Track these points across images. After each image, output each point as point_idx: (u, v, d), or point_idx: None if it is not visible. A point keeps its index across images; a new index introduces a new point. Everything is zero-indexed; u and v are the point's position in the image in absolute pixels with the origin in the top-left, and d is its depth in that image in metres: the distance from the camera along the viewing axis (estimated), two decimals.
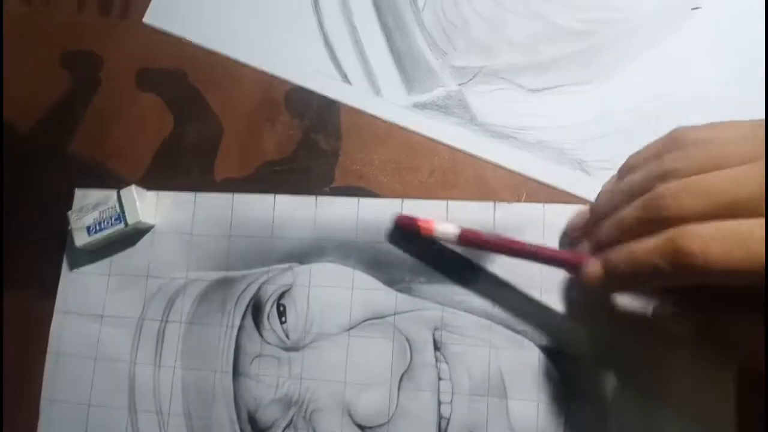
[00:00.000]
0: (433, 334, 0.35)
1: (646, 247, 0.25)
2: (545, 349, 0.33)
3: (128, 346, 0.39)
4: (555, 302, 0.34)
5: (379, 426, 0.34)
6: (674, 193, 0.25)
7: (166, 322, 0.38)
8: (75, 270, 0.40)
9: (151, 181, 0.41)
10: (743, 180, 0.24)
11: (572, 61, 0.37)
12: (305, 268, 0.37)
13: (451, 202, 0.36)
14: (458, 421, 0.33)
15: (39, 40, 0.46)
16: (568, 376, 0.33)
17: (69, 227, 0.39)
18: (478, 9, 0.39)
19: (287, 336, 0.36)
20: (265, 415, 0.36)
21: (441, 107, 0.38)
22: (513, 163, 0.36)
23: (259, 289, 0.37)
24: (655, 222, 0.25)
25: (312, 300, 0.37)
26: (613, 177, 0.32)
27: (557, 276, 0.33)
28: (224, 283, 0.38)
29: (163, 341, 0.38)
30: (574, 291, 0.33)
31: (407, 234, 0.36)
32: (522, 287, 0.34)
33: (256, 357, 0.37)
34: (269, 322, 0.37)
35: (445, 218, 0.36)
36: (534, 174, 0.35)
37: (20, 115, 0.44)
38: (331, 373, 0.35)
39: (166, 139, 0.42)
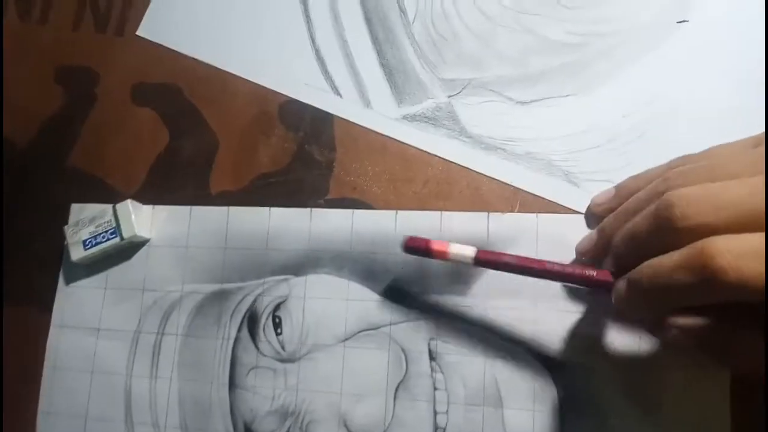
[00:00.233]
0: (429, 344, 0.34)
1: (671, 262, 0.23)
2: (540, 359, 0.33)
3: (124, 359, 0.38)
4: (550, 311, 0.33)
5: None
6: (685, 201, 0.23)
7: (162, 334, 0.38)
8: (71, 284, 0.40)
9: (147, 195, 0.40)
10: (759, 190, 0.22)
11: (560, 73, 0.36)
12: (300, 279, 0.36)
13: (445, 213, 0.35)
14: (454, 431, 0.33)
15: (36, 57, 0.45)
16: (563, 385, 0.32)
17: (65, 241, 0.39)
18: (468, 22, 0.38)
19: (283, 347, 0.36)
20: (262, 427, 0.35)
21: (431, 119, 0.37)
22: (503, 175, 0.35)
23: (254, 301, 0.37)
24: (667, 233, 0.24)
25: (307, 311, 0.36)
26: (608, 191, 0.31)
27: (552, 284, 0.33)
28: (220, 296, 0.37)
29: (159, 354, 0.37)
30: (570, 301, 0.33)
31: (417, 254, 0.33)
32: (517, 296, 0.33)
33: (252, 369, 0.36)
34: (265, 334, 0.36)
35: (439, 229, 0.35)
36: (523, 185, 0.35)
37: (17, 130, 0.43)
38: (327, 384, 0.35)
39: (162, 153, 0.41)
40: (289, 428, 0.35)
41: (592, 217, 0.31)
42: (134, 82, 0.43)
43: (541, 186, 0.35)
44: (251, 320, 0.36)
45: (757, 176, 0.23)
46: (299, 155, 0.39)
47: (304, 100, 0.40)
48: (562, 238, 0.33)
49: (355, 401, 0.34)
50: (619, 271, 0.28)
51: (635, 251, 0.26)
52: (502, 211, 0.35)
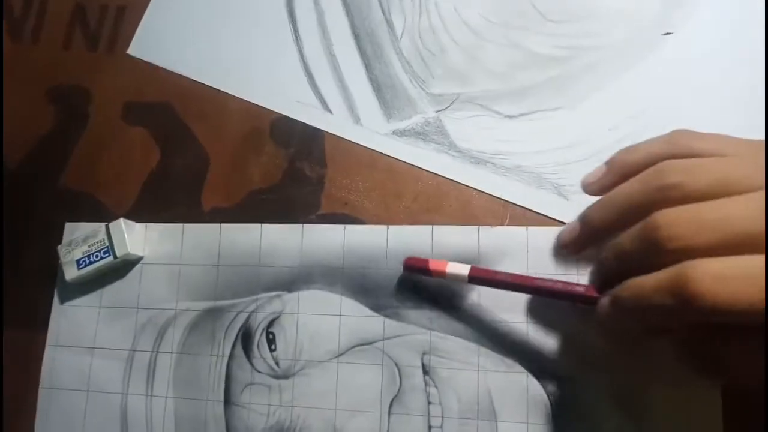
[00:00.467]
0: (422, 359, 0.33)
1: (652, 285, 0.23)
2: (534, 371, 0.32)
3: (120, 378, 0.37)
4: (543, 324, 0.32)
5: None
6: (672, 223, 0.23)
7: (157, 352, 0.37)
8: (66, 303, 0.39)
9: (140, 213, 0.39)
10: (746, 211, 0.22)
11: (548, 87, 0.36)
12: (293, 295, 0.36)
13: (436, 227, 0.35)
14: None
15: (28, 77, 0.44)
16: (557, 397, 0.32)
17: (59, 261, 0.38)
18: (455, 37, 0.38)
19: (277, 364, 0.35)
20: None
21: (420, 134, 0.37)
22: (492, 188, 0.35)
23: (248, 317, 0.36)
24: (653, 253, 0.23)
25: (301, 327, 0.35)
26: (600, 168, 0.29)
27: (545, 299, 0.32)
28: (213, 313, 0.37)
29: (154, 372, 0.37)
30: (561, 313, 0.32)
31: (416, 277, 0.34)
32: (509, 310, 0.33)
33: (247, 386, 0.35)
34: (259, 351, 0.35)
35: (430, 243, 0.35)
36: (512, 198, 0.34)
37: (10, 150, 0.43)
38: (321, 399, 0.34)
39: (154, 171, 0.40)
40: None
41: (560, 256, 0.31)
42: (126, 100, 0.42)
43: (531, 199, 0.34)
44: (245, 337, 0.36)
45: (746, 195, 0.22)
46: (290, 171, 0.38)
47: (294, 117, 0.39)
48: (556, 248, 0.33)
49: (350, 416, 0.34)
50: (604, 284, 0.27)
51: (622, 267, 0.26)
52: (492, 225, 0.34)
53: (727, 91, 0.34)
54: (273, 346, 0.35)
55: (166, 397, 0.36)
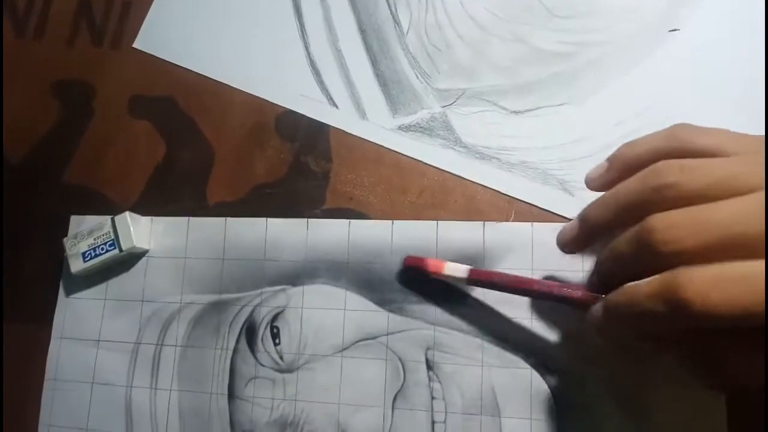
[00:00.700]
0: (426, 354, 0.33)
1: (644, 292, 0.23)
2: (537, 367, 0.32)
3: (125, 371, 0.37)
4: (546, 320, 0.32)
5: None
6: (668, 226, 0.22)
7: (162, 345, 0.37)
8: (71, 296, 0.39)
9: (145, 207, 0.39)
10: (747, 216, 0.21)
11: (553, 82, 0.36)
12: (298, 290, 0.36)
13: (441, 223, 0.35)
14: None
15: (32, 72, 0.44)
16: (560, 393, 0.31)
17: (65, 254, 0.38)
18: (461, 32, 0.38)
19: (281, 358, 0.35)
20: None
21: (425, 129, 0.37)
22: (497, 184, 0.35)
23: (252, 311, 0.36)
24: (648, 257, 0.23)
25: (305, 322, 0.35)
26: (602, 164, 0.29)
27: None
28: (218, 306, 0.37)
29: (158, 365, 0.37)
30: (565, 309, 0.32)
31: (417, 273, 0.34)
32: (513, 305, 0.33)
33: (251, 379, 0.35)
34: (263, 345, 0.35)
35: (435, 239, 0.35)
36: (518, 194, 0.34)
37: (16, 145, 0.42)
38: (325, 394, 0.34)
39: (159, 165, 0.40)
40: None
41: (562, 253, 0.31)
42: (131, 94, 0.42)
43: (536, 195, 0.34)
44: (249, 331, 0.36)
45: (741, 197, 0.22)
46: (295, 166, 0.38)
47: (299, 111, 0.39)
48: (557, 247, 0.32)
49: (354, 411, 0.33)
50: (601, 287, 0.27)
51: (618, 270, 0.25)
52: (498, 221, 0.34)
53: (732, 88, 0.33)
54: (277, 340, 0.35)
55: (171, 390, 0.36)
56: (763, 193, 0.21)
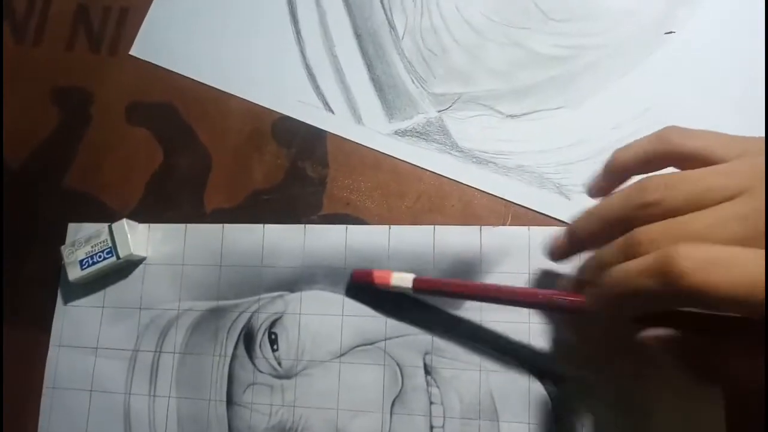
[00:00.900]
0: (424, 359, 0.33)
1: (638, 266, 0.23)
2: (535, 371, 0.32)
3: (123, 378, 0.37)
4: (545, 324, 0.32)
5: None
6: (653, 240, 0.23)
7: (160, 352, 0.37)
8: (69, 303, 0.39)
9: (143, 214, 0.39)
10: (725, 222, 0.22)
11: (550, 86, 0.35)
12: (295, 296, 0.35)
13: (438, 227, 0.35)
14: None
15: (31, 78, 0.44)
16: (559, 397, 0.31)
17: (62, 261, 0.38)
18: (457, 37, 0.38)
19: (279, 364, 0.35)
20: None
21: (421, 134, 0.37)
22: (494, 188, 0.34)
23: (250, 317, 0.36)
24: None
25: (303, 327, 0.35)
26: (596, 176, 0.30)
27: None
28: (216, 313, 0.36)
29: (157, 372, 0.36)
30: (561, 314, 0.32)
31: (365, 287, 0.34)
32: (511, 310, 0.32)
33: (250, 385, 0.35)
34: (261, 351, 0.35)
35: (432, 243, 0.34)
36: (515, 198, 0.34)
37: (13, 151, 0.42)
38: (323, 399, 0.34)
39: (157, 172, 0.40)
40: None
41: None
42: (128, 101, 0.42)
43: (533, 199, 0.34)
44: (247, 337, 0.36)
45: (718, 207, 0.23)
46: (292, 172, 0.38)
47: (296, 117, 0.39)
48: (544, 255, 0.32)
49: (352, 417, 0.33)
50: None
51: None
52: (494, 225, 0.34)
53: (730, 90, 0.33)
54: (275, 346, 0.35)
55: (169, 396, 0.36)
56: (737, 202, 0.22)
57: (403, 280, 0.32)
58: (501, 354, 0.32)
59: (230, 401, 0.35)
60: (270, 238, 0.37)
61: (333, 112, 0.38)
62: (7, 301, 0.40)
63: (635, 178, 0.27)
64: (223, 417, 0.35)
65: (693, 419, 0.29)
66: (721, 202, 0.23)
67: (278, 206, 0.37)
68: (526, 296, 0.29)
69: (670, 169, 0.26)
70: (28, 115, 0.43)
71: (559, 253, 0.30)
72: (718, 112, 0.33)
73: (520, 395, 0.32)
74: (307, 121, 0.38)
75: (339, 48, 0.39)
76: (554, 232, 0.31)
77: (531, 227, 0.33)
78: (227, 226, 0.37)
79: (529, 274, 0.33)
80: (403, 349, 0.33)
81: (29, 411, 0.37)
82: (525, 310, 0.32)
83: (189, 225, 0.38)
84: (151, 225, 0.39)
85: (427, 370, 0.33)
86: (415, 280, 0.32)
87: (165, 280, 0.38)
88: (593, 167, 0.31)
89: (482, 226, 0.34)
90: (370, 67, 0.38)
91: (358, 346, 0.34)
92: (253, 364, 0.35)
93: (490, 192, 0.35)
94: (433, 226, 0.35)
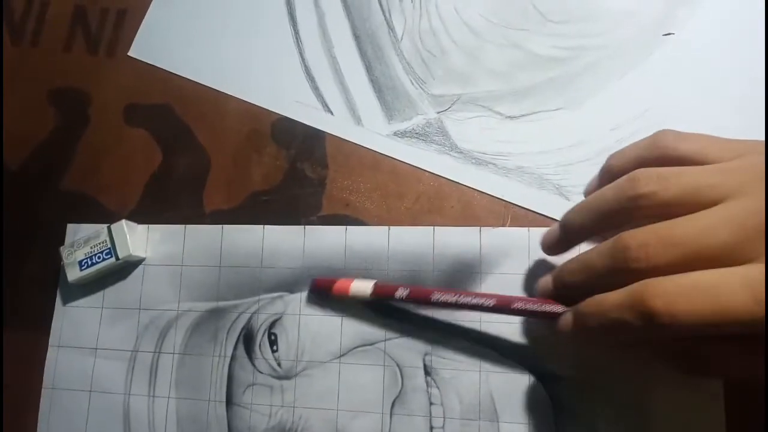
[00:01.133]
0: (424, 360, 0.33)
1: (613, 302, 0.24)
2: (535, 372, 0.32)
3: (122, 378, 0.37)
4: (543, 325, 0.32)
5: None
6: (641, 245, 0.23)
7: (159, 353, 0.37)
8: (68, 304, 0.38)
9: (142, 214, 0.39)
10: (714, 228, 0.22)
11: (549, 88, 0.35)
12: (295, 296, 0.35)
13: (437, 228, 0.34)
14: None
15: (28, 79, 0.44)
16: (558, 398, 0.31)
17: (62, 262, 0.38)
18: (456, 38, 0.37)
19: (279, 365, 0.35)
20: None
21: (421, 135, 0.36)
22: (494, 189, 0.34)
23: (250, 318, 0.36)
24: (623, 272, 0.24)
25: (302, 328, 0.35)
26: (594, 179, 0.30)
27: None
28: (215, 314, 0.36)
29: (156, 372, 0.36)
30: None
31: (323, 295, 0.35)
32: None
33: (249, 386, 0.35)
34: (261, 351, 0.35)
35: (431, 244, 0.34)
36: (514, 199, 0.34)
37: (11, 153, 0.42)
38: (323, 400, 0.34)
39: (155, 173, 0.40)
40: None
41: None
42: (127, 102, 0.42)
43: (533, 200, 0.34)
44: (247, 338, 0.35)
45: (709, 210, 0.23)
46: (291, 173, 0.38)
47: (295, 118, 0.39)
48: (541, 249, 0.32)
49: (352, 417, 0.33)
50: (565, 299, 0.28)
51: (588, 283, 0.26)
52: (494, 226, 0.34)
53: (729, 91, 0.33)
54: (275, 347, 0.35)
55: (168, 397, 0.36)
56: (729, 205, 0.22)
57: (362, 286, 0.33)
58: (501, 355, 0.32)
59: (230, 402, 0.35)
60: (269, 239, 0.37)
61: (332, 113, 0.38)
62: (6, 302, 0.40)
63: None
64: (223, 417, 0.35)
65: (693, 422, 0.29)
66: (712, 201, 0.23)
67: (277, 207, 0.37)
68: (497, 302, 0.29)
69: None
70: (26, 117, 0.43)
71: (553, 246, 0.30)
72: (719, 112, 0.33)
73: (520, 396, 0.32)
74: (306, 122, 0.38)
75: (338, 49, 0.39)
76: (547, 230, 0.31)
77: (531, 228, 0.33)
78: (226, 227, 0.37)
79: (528, 275, 0.33)
80: (403, 350, 0.33)
81: (28, 411, 0.37)
82: None
83: (188, 226, 0.38)
84: (150, 226, 0.38)
85: (427, 371, 0.33)
86: (375, 286, 0.32)
87: (164, 280, 0.37)
88: (593, 168, 0.31)
89: (482, 227, 0.34)
90: (368, 68, 0.38)
91: (357, 346, 0.34)
92: (253, 364, 0.35)
93: (490, 193, 0.34)
94: (432, 227, 0.35)
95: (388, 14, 0.39)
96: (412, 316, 0.34)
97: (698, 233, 0.22)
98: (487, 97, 0.36)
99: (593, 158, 0.33)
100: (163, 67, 0.41)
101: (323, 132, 0.38)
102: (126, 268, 0.38)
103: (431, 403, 0.32)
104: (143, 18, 0.43)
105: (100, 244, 0.37)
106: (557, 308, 0.28)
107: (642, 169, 0.25)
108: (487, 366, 0.32)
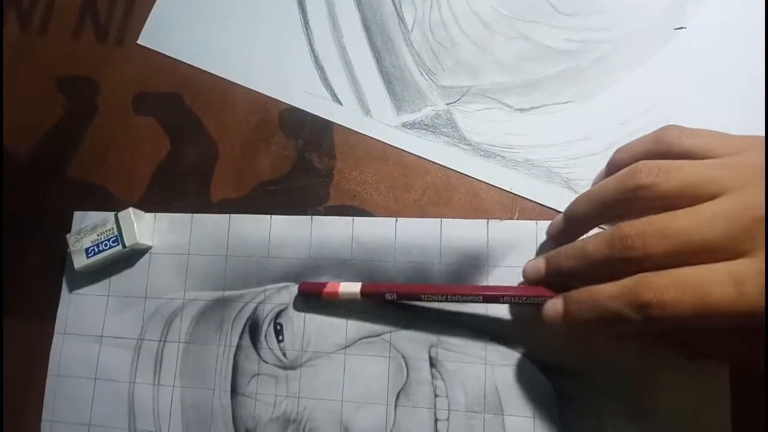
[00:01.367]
0: (429, 352, 0.33)
1: (609, 293, 0.24)
2: (541, 365, 0.32)
3: (127, 367, 0.37)
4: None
5: None
6: (639, 234, 0.24)
7: (165, 342, 0.37)
8: (74, 291, 0.39)
9: (149, 203, 0.39)
10: (712, 221, 0.22)
11: (558, 80, 0.35)
12: None
13: (445, 220, 0.34)
14: None
15: (37, 67, 0.44)
16: (564, 391, 0.31)
17: (68, 249, 0.38)
18: (466, 30, 0.37)
19: (284, 355, 0.35)
20: None
21: (429, 126, 0.36)
22: (502, 182, 0.34)
23: (255, 308, 0.36)
24: (619, 262, 0.24)
25: (308, 319, 0.35)
26: (601, 172, 0.31)
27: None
28: (221, 303, 0.36)
29: (161, 361, 0.36)
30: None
31: (311, 299, 0.35)
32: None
33: (254, 376, 0.35)
34: (266, 341, 0.35)
35: (438, 236, 0.34)
36: (522, 192, 0.34)
37: (19, 140, 0.42)
38: (328, 391, 0.34)
39: (163, 162, 0.40)
40: None
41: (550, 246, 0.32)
42: (135, 91, 0.42)
43: (541, 193, 0.34)
44: (253, 327, 0.35)
45: (707, 204, 0.23)
46: (299, 163, 0.38)
47: (304, 108, 0.38)
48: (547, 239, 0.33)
49: (356, 408, 0.33)
50: (558, 286, 0.28)
51: (584, 271, 0.26)
52: (502, 218, 0.34)
53: (739, 85, 0.33)
54: (280, 337, 0.35)
55: (173, 386, 0.36)
56: (726, 199, 0.23)
57: (350, 287, 0.33)
58: (507, 347, 0.32)
59: (234, 391, 0.35)
60: (276, 229, 0.36)
61: (341, 104, 0.38)
62: (12, 289, 0.40)
63: None
64: (228, 407, 0.35)
65: (699, 415, 0.29)
66: (712, 194, 0.23)
67: (285, 197, 0.37)
68: (486, 293, 0.30)
69: None
70: (34, 105, 0.43)
71: (558, 235, 0.31)
72: (727, 107, 0.33)
73: (525, 389, 0.31)
74: (315, 113, 0.38)
75: (347, 39, 0.39)
76: (554, 219, 0.31)
77: (538, 221, 0.33)
78: (234, 216, 0.37)
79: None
80: (409, 342, 0.33)
81: (33, 398, 0.37)
82: (532, 304, 0.32)
83: (195, 215, 0.38)
84: (157, 214, 0.38)
85: (433, 363, 0.33)
86: (363, 286, 0.33)
87: (171, 269, 0.37)
88: (601, 162, 0.31)
89: (489, 220, 0.34)
90: (378, 59, 0.38)
91: (363, 338, 0.34)
92: (258, 354, 0.35)
93: (498, 185, 0.34)
94: (439, 219, 0.34)
95: (398, 5, 0.39)
96: (417, 308, 0.34)
97: (696, 225, 0.23)
98: (497, 89, 0.36)
99: (602, 152, 0.33)
100: (173, 56, 0.41)
101: (331, 122, 0.38)
102: (132, 256, 0.38)
103: (436, 396, 0.32)
104: (153, 6, 0.43)
105: (107, 231, 0.37)
106: (548, 294, 0.29)
107: (644, 161, 0.25)
108: (492, 359, 0.32)
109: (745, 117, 0.32)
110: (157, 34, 0.42)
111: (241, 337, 0.35)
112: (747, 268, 0.21)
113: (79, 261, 0.37)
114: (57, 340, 0.38)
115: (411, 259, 0.34)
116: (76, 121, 0.42)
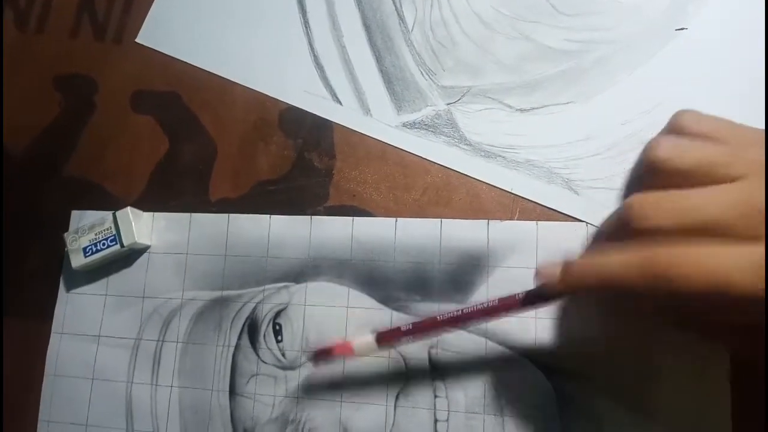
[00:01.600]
0: (429, 352, 0.33)
1: (618, 258, 0.24)
2: (541, 366, 0.32)
3: (125, 366, 0.37)
4: (549, 319, 0.32)
5: None
6: (644, 206, 0.24)
7: (163, 341, 0.36)
8: (72, 291, 0.38)
9: (147, 202, 0.39)
10: (725, 203, 0.22)
11: (559, 81, 0.35)
12: (300, 287, 0.35)
13: (445, 221, 0.34)
14: None
15: (34, 65, 0.43)
16: (564, 391, 0.31)
17: (65, 249, 0.37)
18: (466, 30, 0.37)
19: (283, 355, 0.35)
20: None
21: (430, 126, 0.36)
22: (502, 182, 0.34)
23: (254, 308, 0.36)
24: (627, 231, 0.24)
25: (308, 319, 0.35)
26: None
27: None
28: (220, 303, 0.36)
29: (159, 361, 0.36)
30: (569, 309, 0.32)
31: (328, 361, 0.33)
32: None
33: (253, 376, 0.35)
34: (265, 342, 0.35)
35: (438, 237, 0.34)
36: (523, 193, 0.34)
37: (16, 139, 0.42)
38: (327, 392, 0.34)
39: (162, 161, 0.40)
40: None
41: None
42: (133, 89, 0.41)
43: (541, 193, 0.33)
44: (251, 327, 0.35)
45: (721, 186, 0.23)
46: (299, 162, 0.38)
47: (303, 108, 0.38)
48: (562, 246, 0.32)
49: (355, 409, 0.33)
50: None
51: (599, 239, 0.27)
52: (502, 219, 0.34)
53: (741, 85, 0.33)
54: (279, 337, 0.35)
55: (171, 386, 0.36)
56: (736, 185, 0.23)
57: (364, 341, 0.31)
58: (507, 348, 0.32)
59: (233, 392, 0.35)
60: (275, 229, 0.36)
61: (341, 103, 0.38)
62: (9, 289, 0.40)
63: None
64: (226, 407, 0.35)
65: (699, 417, 0.29)
66: (724, 178, 0.23)
67: (284, 197, 0.37)
68: (501, 306, 0.29)
69: None
70: (31, 103, 0.43)
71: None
72: (727, 107, 0.32)
73: (525, 389, 0.31)
74: (315, 112, 0.38)
75: (347, 38, 0.39)
76: (567, 227, 0.31)
77: (539, 222, 0.33)
78: (232, 215, 0.37)
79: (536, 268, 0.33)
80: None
81: (30, 398, 0.37)
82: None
83: (194, 214, 0.38)
84: (156, 214, 0.38)
85: (433, 364, 0.33)
86: (378, 335, 0.30)
87: (169, 269, 0.37)
88: (602, 163, 0.32)
89: (489, 220, 0.34)
90: (378, 58, 0.38)
91: None
92: (257, 354, 0.35)
93: (498, 186, 0.34)
94: (439, 219, 0.34)
95: (398, 4, 0.39)
96: (418, 309, 0.34)
97: (707, 204, 0.23)
98: (497, 90, 0.36)
99: (603, 152, 0.33)
100: (171, 55, 0.41)
101: (331, 122, 0.38)
102: (130, 255, 0.38)
103: (436, 396, 0.32)
104: (151, 4, 0.43)
105: (104, 230, 0.37)
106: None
107: (660, 135, 0.26)
108: (492, 360, 0.32)
109: (746, 117, 0.32)
110: (156, 33, 0.42)
111: (239, 337, 0.35)
112: (760, 255, 0.21)
113: (77, 260, 0.37)
114: (54, 339, 0.38)
115: (411, 260, 0.34)
116: (74, 120, 0.42)
